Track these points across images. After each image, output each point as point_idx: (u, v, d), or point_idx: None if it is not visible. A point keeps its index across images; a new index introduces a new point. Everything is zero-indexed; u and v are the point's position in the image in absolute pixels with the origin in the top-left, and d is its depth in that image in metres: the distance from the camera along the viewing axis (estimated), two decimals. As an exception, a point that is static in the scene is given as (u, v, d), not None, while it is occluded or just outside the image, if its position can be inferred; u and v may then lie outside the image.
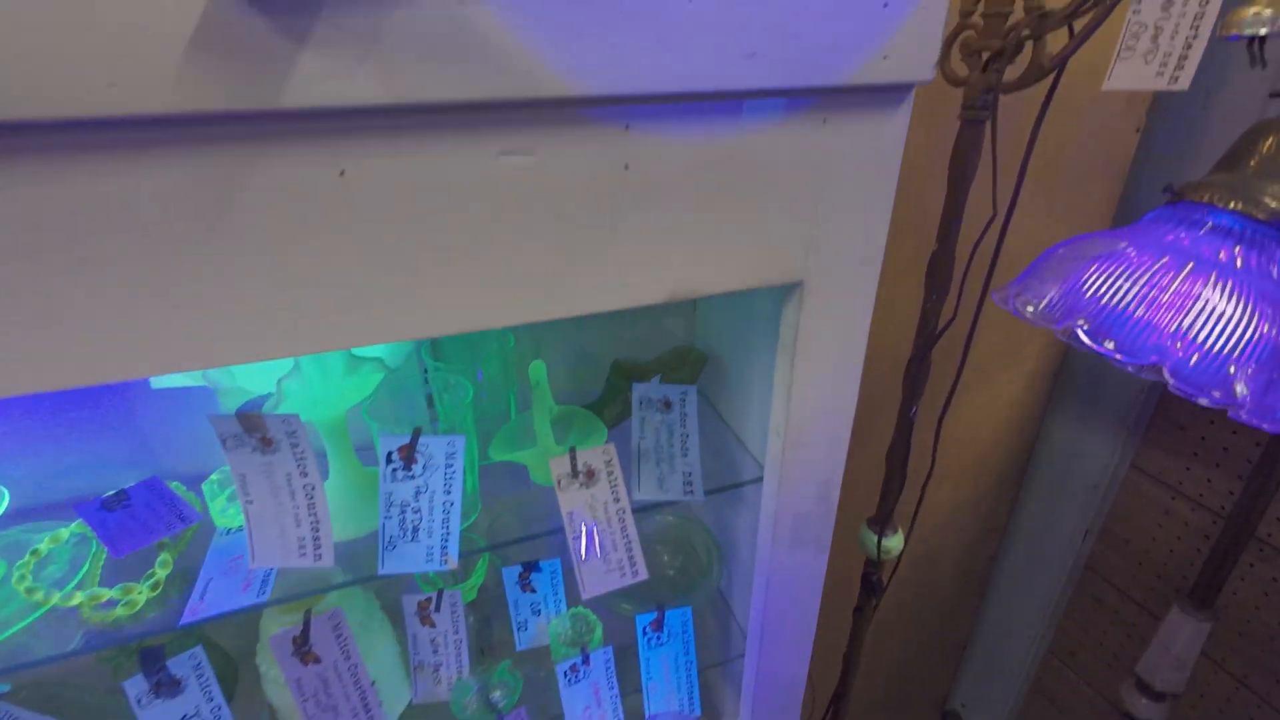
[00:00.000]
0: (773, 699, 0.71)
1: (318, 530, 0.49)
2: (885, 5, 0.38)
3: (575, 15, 0.33)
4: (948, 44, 0.69)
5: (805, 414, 0.52)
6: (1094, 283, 0.50)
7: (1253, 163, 0.50)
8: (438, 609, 0.71)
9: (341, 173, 0.34)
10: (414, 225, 0.36)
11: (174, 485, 0.64)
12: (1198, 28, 0.47)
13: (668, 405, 0.71)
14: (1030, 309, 0.52)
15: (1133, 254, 0.51)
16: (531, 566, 0.76)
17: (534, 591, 0.77)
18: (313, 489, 0.49)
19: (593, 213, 0.39)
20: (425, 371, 0.69)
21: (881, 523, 0.89)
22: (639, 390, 0.70)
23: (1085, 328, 0.49)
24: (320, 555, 0.50)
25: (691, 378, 0.77)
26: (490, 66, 0.32)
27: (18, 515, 0.62)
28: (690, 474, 0.67)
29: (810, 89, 0.39)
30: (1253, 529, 0.86)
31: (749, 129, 0.40)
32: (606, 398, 0.77)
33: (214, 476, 0.65)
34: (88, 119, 0.28)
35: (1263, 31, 0.41)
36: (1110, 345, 0.48)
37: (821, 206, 0.44)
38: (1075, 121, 0.95)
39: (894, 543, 0.90)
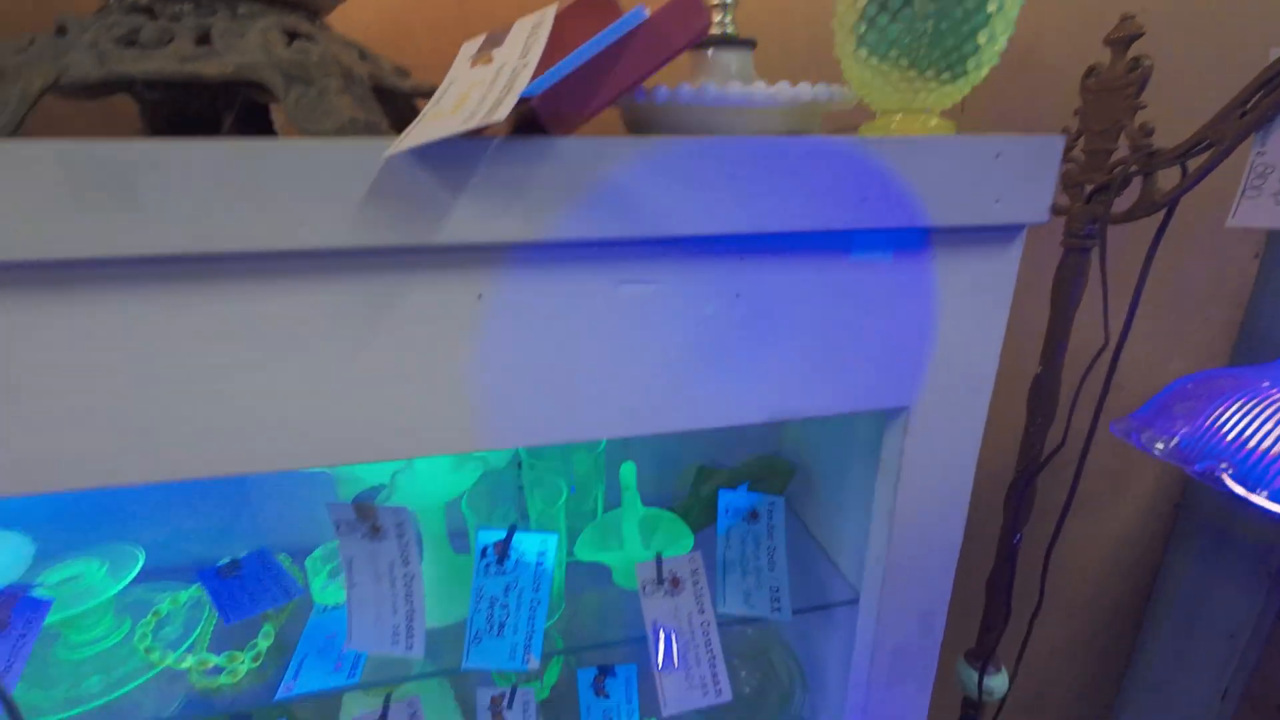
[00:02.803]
0: None
1: (412, 620, 0.51)
2: (998, 155, 0.39)
3: (698, 167, 0.36)
4: (1052, 171, 0.70)
5: (908, 543, 0.50)
6: (1236, 424, 0.47)
7: None
8: (510, 705, 0.70)
9: (479, 296, 0.37)
10: (541, 343, 0.39)
11: (281, 557, 0.68)
12: (1334, 171, 0.45)
13: (754, 516, 0.70)
14: (1160, 446, 0.49)
15: (1278, 395, 0.47)
16: (607, 671, 0.74)
17: (607, 697, 0.75)
18: (412, 579, 0.50)
19: (704, 336, 0.41)
20: (519, 468, 0.71)
21: (983, 659, 0.82)
22: (725, 498, 0.70)
23: (1231, 473, 0.46)
24: (412, 645, 0.51)
25: (779, 489, 0.76)
26: (619, 210, 0.36)
27: (141, 575, 0.67)
28: (778, 589, 0.65)
29: (919, 229, 0.40)
30: None
31: (858, 262, 0.41)
32: (690, 502, 0.76)
33: (317, 553, 0.69)
34: (282, 251, 0.33)
35: None
36: (1264, 496, 0.44)
37: (930, 335, 0.44)
38: (1188, 244, 0.91)
39: (998, 682, 0.83)
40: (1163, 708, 1.16)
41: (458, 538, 0.68)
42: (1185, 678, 1.12)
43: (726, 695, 0.60)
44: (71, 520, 0.65)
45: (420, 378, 0.38)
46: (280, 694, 0.53)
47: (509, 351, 0.38)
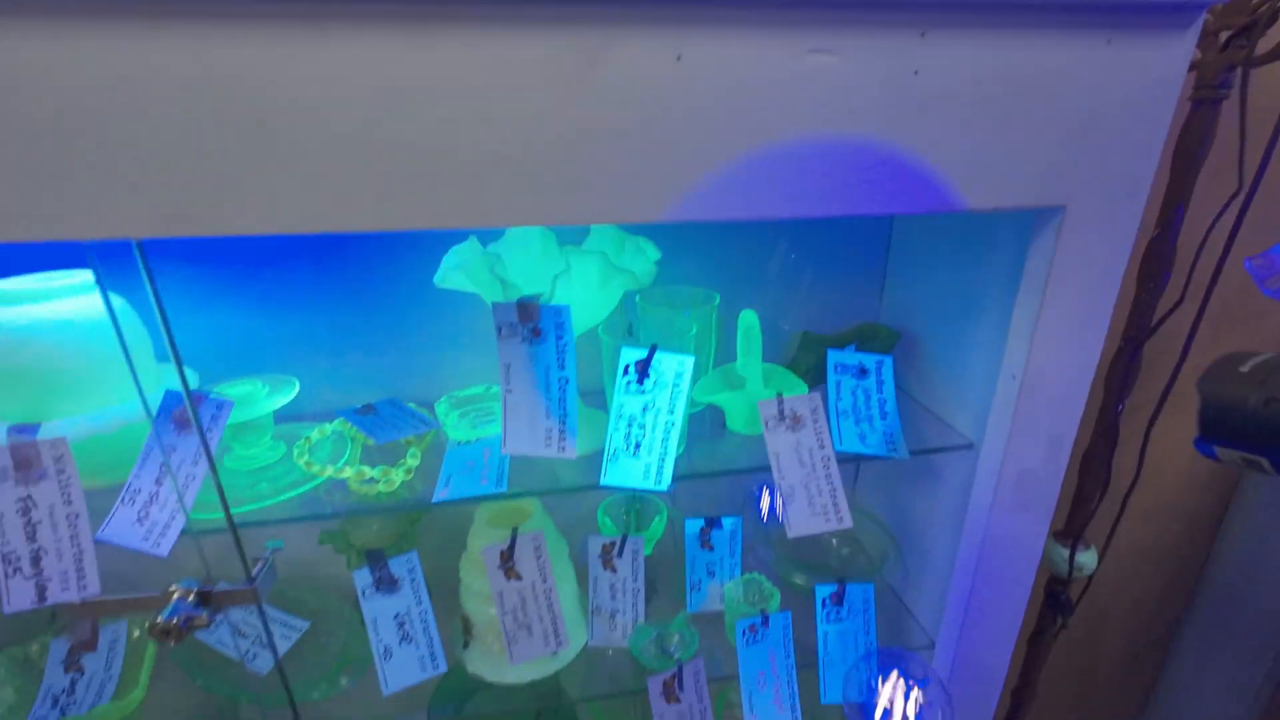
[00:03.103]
0: (970, 685, 0.67)
1: (565, 423, 0.54)
2: (1189, -80, 0.39)
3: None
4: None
5: (1048, 357, 0.52)
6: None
7: None
8: (620, 554, 0.74)
9: (678, 58, 0.39)
10: (733, 111, 0.40)
11: (410, 404, 0.71)
12: None
13: (863, 372, 0.71)
14: (1306, 262, 0.49)
15: None
16: (713, 523, 0.77)
17: (711, 550, 0.78)
18: (567, 383, 0.53)
19: (881, 115, 0.42)
20: (630, 332, 0.73)
21: (1075, 535, 0.83)
22: (834, 356, 0.71)
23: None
24: (565, 448, 0.54)
25: (885, 351, 0.77)
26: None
27: (284, 415, 0.71)
28: (891, 434, 0.67)
29: (1102, 2, 0.41)
30: None
31: (1034, 44, 0.42)
32: (796, 366, 0.78)
33: (443, 399, 0.72)
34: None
35: None
36: None
37: (1094, 131, 0.45)
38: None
39: (1088, 559, 0.84)
40: (1229, 625, 1.17)
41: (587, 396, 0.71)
42: (1257, 593, 1.12)
43: (847, 522, 0.62)
44: (226, 360, 0.69)
45: (617, 140, 0.40)
46: (437, 497, 0.57)
47: (700, 118, 0.40)
